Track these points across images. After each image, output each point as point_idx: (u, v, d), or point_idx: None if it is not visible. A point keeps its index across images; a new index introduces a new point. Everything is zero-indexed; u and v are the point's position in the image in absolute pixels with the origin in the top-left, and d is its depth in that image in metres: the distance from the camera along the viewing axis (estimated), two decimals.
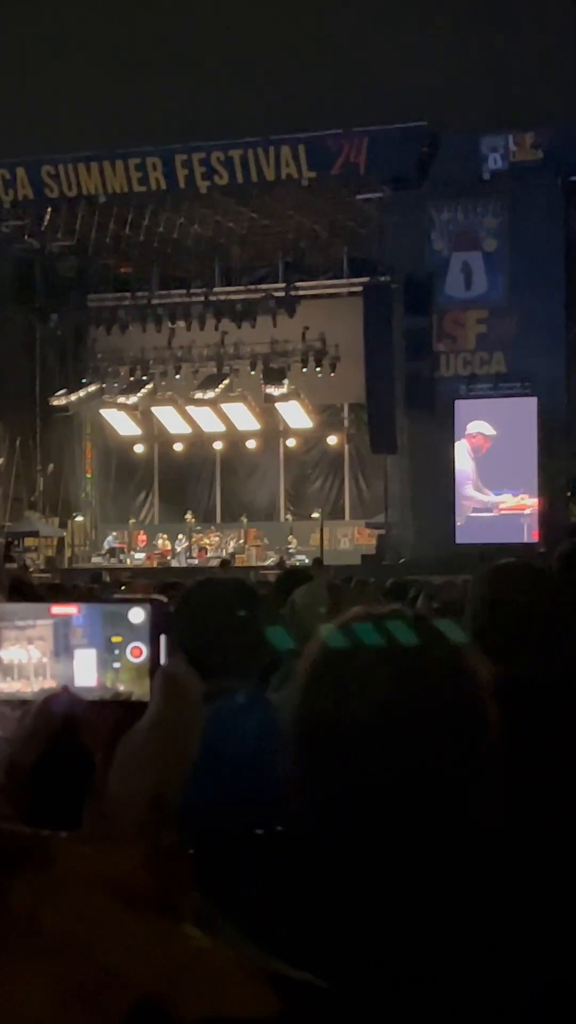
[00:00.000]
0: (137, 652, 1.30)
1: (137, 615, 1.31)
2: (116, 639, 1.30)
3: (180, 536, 34.76)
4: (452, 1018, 1.47)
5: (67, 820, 1.17)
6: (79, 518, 36.48)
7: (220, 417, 34.64)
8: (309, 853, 1.56)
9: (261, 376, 33.11)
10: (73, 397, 34.65)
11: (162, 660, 1.29)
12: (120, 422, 35.77)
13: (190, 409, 34.54)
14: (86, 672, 1.30)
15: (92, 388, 35.00)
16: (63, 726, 1.25)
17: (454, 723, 1.58)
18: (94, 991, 1.01)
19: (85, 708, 1.25)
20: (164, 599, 1.34)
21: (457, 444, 29.07)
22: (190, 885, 1.13)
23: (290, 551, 32.69)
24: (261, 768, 3.13)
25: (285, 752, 1.61)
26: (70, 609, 1.31)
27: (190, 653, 1.43)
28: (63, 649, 1.30)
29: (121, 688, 1.28)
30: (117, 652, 1.30)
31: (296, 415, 34.46)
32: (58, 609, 1.32)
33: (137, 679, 1.29)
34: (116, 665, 1.30)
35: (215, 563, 31.55)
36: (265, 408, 34.26)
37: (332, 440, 35.16)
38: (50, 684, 1.28)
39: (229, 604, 3.73)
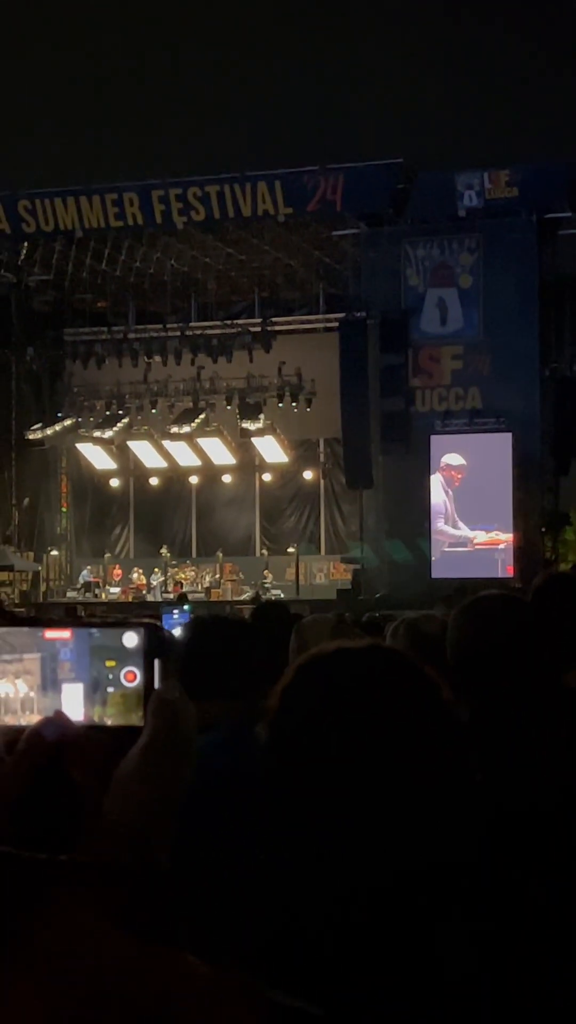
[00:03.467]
0: (131, 676, 1.29)
1: (131, 639, 1.30)
2: (110, 663, 1.30)
3: (156, 570, 34.68)
4: None
5: (54, 846, 1.17)
6: (54, 552, 36.36)
7: (196, 451, 34.63)
8: (290, 881, 1.54)
9: (237, 411, 33.13)
10: (49, 431, 34.59)
11: (156, 684, 1.28)
12: (96, 456, 35.72)
13: (166, 443, 34.53)
14: (73, 706, 1.29)
15: (68, 422, 34.95)
16: (52, 752, 1.24)
17: (429, 748, 1.54)
18: (92, 1012, 1.01)
19: (78, 733, 1.25)
20: (158, 623, 1.33)
21: (431, 478, 29.15)
22: (186, 910, 1.13)
23: (266, 585, 32.64)
24: (234, 805, 3.13)
25: (262, 773, 1.59)
26: (64, 633, 1.31)
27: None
28: (50, 683, 1.30)
29: (109, 723, 1.28)
30: (111, 677, 1.29)
31: (272, 450, 34.49)
32: (52, 633, 1.31)
33: (126, 710, 1.28)
34: (110, 690, 1.29)
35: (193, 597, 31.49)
36: (241, 443, 34.27)
37: (308, 475, 35.17)
38: (37, 719, 1.28)
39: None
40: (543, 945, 1.91)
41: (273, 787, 1.55)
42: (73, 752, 1.23)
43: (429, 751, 1.54)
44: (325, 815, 1.49)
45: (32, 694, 1.29)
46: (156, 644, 1.30)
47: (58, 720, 1.26)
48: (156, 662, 1.29)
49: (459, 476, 29.20)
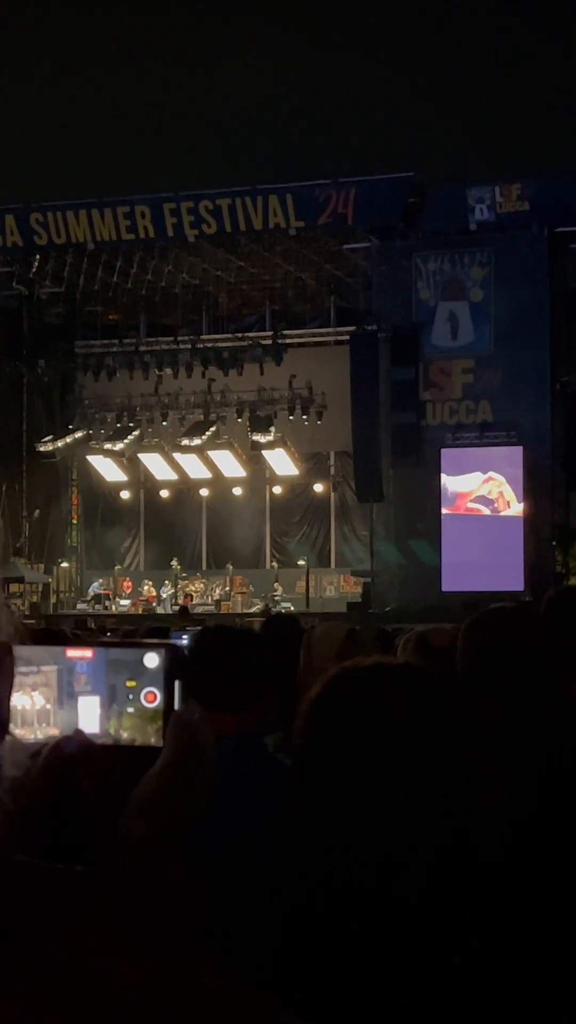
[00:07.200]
0: (151, 697, 1.29)
1: (152, 660, 1.31)
2: (130, 683, 1.30)
3: (166, 583, 34.68)
4: None
5: (66, 860, 1.17)
6: (64, 564, 36.39)
7: (206, 464, 34.64)
8: (309, 897, 1.56)
9: (248, 423, 33.15)
10: (60, 443, 34.65)
11: (176, 705, 1.29)
12: (106, 468, 35.75)
13: (176, 456, 34.54)
14: (89, 719, 1.29)
15: (79, 434, 35.01)
16: (71, 769, 1.25)
17: (446, 755, 1.60)
18: None
19: (97, 751, 1.25)
20: (179, 644, 1.34)
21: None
22: (199, 924, 1.13)
23: (276, 599, 32.62)
24: (246, 813, 3.15)
25: (291, 784, 1.64)
26: (86, 652, 1.31)
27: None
28: (66, 696, 1.30)
29: (124, 736, 1.28)
30: (131, 696, 1.30)
31: (282, 463, 34.48)
32: (73, 652, 1.32)
33: (143, 726, 1.28)
34: (130, 710, 1.30)
35: (201, 610, 31.46)
36: (251, 455, 34.27)
37: (318, 488, 35.16)
38: (53, 732, 1.28)
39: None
40: (553, 946, 1.92)
41: (302, 788, 1.60)
42: (89, 769, 1.24)
43: (447, 762, 1.61)
44: (349, 814, 1.54)
45: (49, 706, 1.29)
46: (176, 665, 1.31)
47: (78, 738, 1.26)
48: (176, 683, 1.30)
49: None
